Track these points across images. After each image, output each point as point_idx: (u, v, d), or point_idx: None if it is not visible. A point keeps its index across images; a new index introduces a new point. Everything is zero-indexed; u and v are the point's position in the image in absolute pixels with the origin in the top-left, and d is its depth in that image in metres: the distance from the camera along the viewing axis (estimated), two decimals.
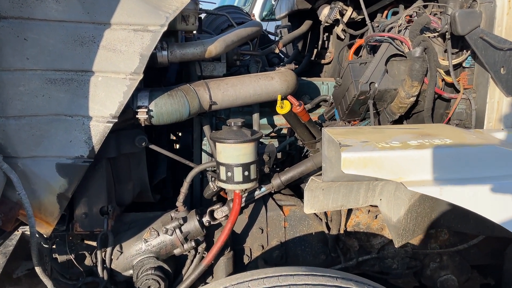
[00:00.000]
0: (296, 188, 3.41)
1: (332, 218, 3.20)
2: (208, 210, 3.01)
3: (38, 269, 2.53)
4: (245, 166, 2.68)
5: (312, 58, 4.44)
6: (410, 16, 2.38)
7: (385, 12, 2.82)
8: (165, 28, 2.39)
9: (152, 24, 2.38)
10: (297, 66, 3.59)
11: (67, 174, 2.53)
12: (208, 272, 3.03)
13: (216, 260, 2.97)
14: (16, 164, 2.43)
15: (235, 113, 3.54)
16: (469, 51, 2.30)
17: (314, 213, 3.20)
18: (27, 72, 2.35)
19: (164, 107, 2.66)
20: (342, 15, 3.14)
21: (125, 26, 2.38)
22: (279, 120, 3.70)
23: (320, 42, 4.33)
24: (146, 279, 2.75)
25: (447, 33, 2.28)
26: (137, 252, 2.90)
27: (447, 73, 2.32)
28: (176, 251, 2.94)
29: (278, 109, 2.79)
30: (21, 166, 2.46)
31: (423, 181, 1.73)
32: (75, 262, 2.97)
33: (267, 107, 3.56)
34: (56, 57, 2.36)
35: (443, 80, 2.36)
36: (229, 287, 2.13)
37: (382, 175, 1.76)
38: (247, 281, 2.08)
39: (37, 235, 2.50)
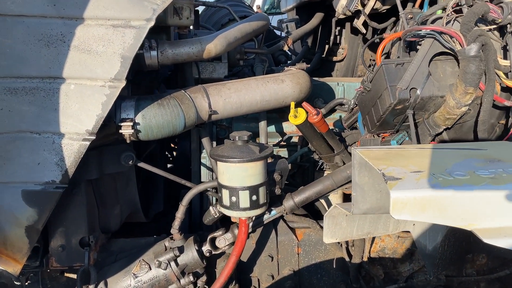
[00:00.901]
0: (309, 205, 2.93)
1: (354, 243, 2.72)
2: (209, 237, 2.53)
3: None
4: (253, 189, 2.19)
5: (323, 55, 3.94)
6: (458, 4, 1.87)
7: (418, 0, 2.31)
8: (152, 23, 1.89)
9: (136, 19, 1.88)
10: (308, 65, 3.09)
11: (36, 203, 2.05)
12: None
13: None
14: None
15: (238, 119, 3.05)
16: None
17: None
18: None
19: (154, 119, 2.16)
20: (363, 5, 2.64)
21: (102, 21, 1.88)
22: (288, 127, 3.21)
23: (332, 37, 3.84)
24: None
25: (508, 25, 1.78)
26: None
27: (507, 75, 1.83)
28: None
29: (291, 119, 2.29)
30: None
31: (504, 229, 1.25)
32: None
33: (274, 113, 3.07)
34: (15, 61, 1.87)
35: (500, 84, 1.87)
36: None
37: (445, 221, 1.27)
38: None
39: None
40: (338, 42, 4.00)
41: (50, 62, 1.89)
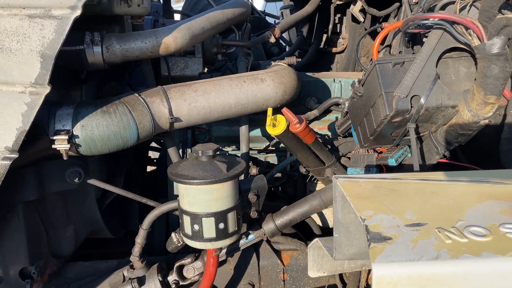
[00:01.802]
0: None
1: None
2: (176, 265, 2.12)
3: None
4: (220, 216, 1.77)
5: (321, 46, 3.47)
6: None
7: None
8: (79, 12, 1.46)
9: (58, 6, 1.46)
10: (299, 59, 2.64)
11: None
12: None
13: None
14: None
15: (219, 122, 2.61)
16: None
17: None
18: None
19: (97, 131, 1.74)
20: None
21: (15, 10, 1.46)
22: None
23: (330, 26, 3.36)
24: None
25: None
26: None
27: None
28: None
29: (269, 128, 1.87)
30: None
31: None
32: None
33: (260, 114, 2.64)
34: None
35: None
36: None
37: None
38: None
39: None
40: (338, 31, 3.53)
41: None
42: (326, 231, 2.59)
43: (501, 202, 1.04)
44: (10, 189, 1.75)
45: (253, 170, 2.66)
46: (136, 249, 2.07)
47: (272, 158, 2.90)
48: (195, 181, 1.71)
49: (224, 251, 2.07)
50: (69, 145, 1.69)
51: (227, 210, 1.78)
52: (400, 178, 1.22)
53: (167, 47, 1.85)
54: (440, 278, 0.81)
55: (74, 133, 1.72)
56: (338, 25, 3.49)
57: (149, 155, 3.84)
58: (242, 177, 1.98)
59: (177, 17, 3.89)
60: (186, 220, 1.80)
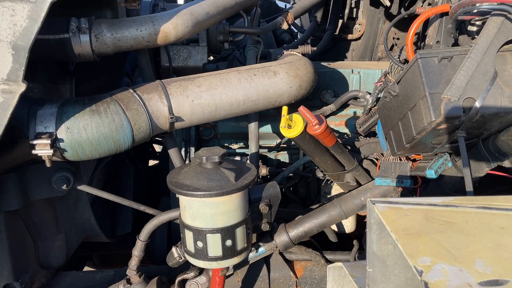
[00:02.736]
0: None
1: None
2: (178, 279, 1.88)
3: None
4: (227, 232, 1.52)
5: (336, 33, 3.18)
6: None
7: None
8: None
9: None
10: (314, 48, 2.36)
11: None
12: None
13: None
14: None
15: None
16: None
17: None
18: None
19: (85, 133, 1.49)
20: None
21: None
22: None
23: (347, 11, 3.08)
24: None
25: None
26: None
27: None
28: None
29: (283, 130, 1.61)
30: None
31: None
32: None
33: (270, 109, 2.38)
34: None
35: None
36: None
37: None
38: None
39: None
40: (354, 16, 3.23)
41: None
42: (341, 238, 2.34)
43: None
44: None
45: (263, 171, 2.40)
46: (133, 262, 1.84)
47: (283, 156, 2.64)
48: (199, 192, 1.45)
49: (231, 266, 1.83)
50: (52, 151, 1.44)
51: (235, 225, 1.53)
52: (455, 205, 0.96)
53: (166, 36, 1.58)
54: None
55: (58, 136, 1.46)
56: (355, 10, 3.20)
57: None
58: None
59: (180, 0, 3.60)
60: (189, 235, 1.55)
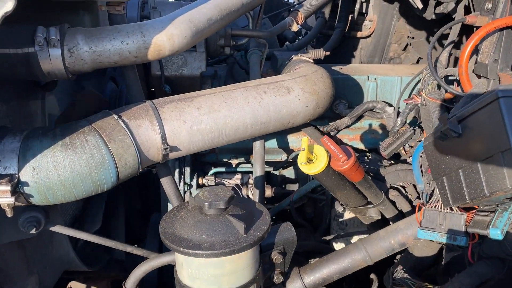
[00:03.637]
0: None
1: None
2: None
3: None
4: None
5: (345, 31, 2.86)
6: None
7: None
8: (10, 6, 0.86)
9: None
10: (327, 53, 2.05)
11: None
12: None
13: None
14: None
15: None
16: None
17: None
18: None
19: (56, 174, 1.17)
20: None
21: None
22: (297, 141, 2.21)
23: (357, 6, 2.77)
24: None
25: None
26: None
27: None
28: None
29: (303, 167, 1.30)
30: None
31: None
32: None
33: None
34: None
35: None
36: None
37: None
38: None
39: None
40: (364, 11, 2.91)
41: None
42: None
43: None
44: None
45: (268, 192, 2.10)
46: None
47: (289, 172, 2.34)
48: (201, 252, 1.15)
49: None
50: (13, 198, 1.11)
51: (243, 286, 1.23)
52: None
53: (159, 50, 1.25)
54: None
55: (21, 179, 1.14)
56: (365, 4, 2.88)
57: None
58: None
59: None
60: None
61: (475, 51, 1.30)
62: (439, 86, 1.63)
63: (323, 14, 2.80)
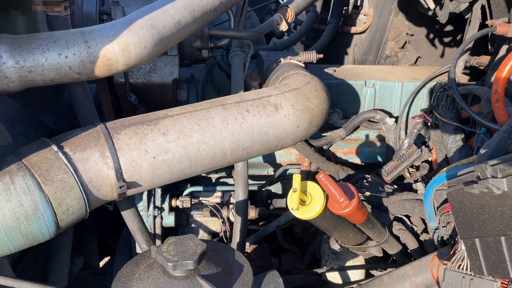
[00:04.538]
0: None
1: None
2: None
3: None
4: None
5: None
6: None
7: None
8: None
9: None
10: (320, 56, 1.77)
11: None
12: None
13: None
14: None
15: None
16: None
17: None
18: None
19: None
20: None
21: None
22: (284, 155, 1.94)
23: None
24: None
25: None
26: None
27: None
28: None
29: (296, 213, 1.03)
30: None
31: None
32: None
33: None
34: None
35: None
36: None
37: None
38: None
39: None
40: (358, 4, 2.64)
41: None
42: None
43: None
44: None
45: (251, 213, 1.84)
46: None
47: (276, 187, 2.07)
48: None
49: None
50: None
51: None
52: None
53: (109, 64, 0.95)
54: None
55: None
56: None
57: None
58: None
59: None
60: None
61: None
62: (453, 101, 1.36)
63: (315, 7, 2.51)
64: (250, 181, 1.95)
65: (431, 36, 2.48)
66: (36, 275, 1.79)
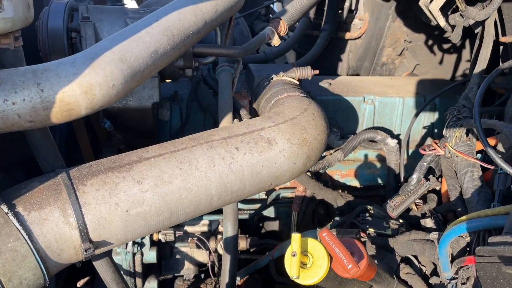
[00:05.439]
0: None
1: None
2: None
3: None
4: None
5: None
6: None
7: None
8: None
9: None
10: (316, 72, 1.60)
11: None
12: None
13: None
14: None
15: None
16: None
17: None
18: None
19: None
20: None
21: None
22: None
23: (347, 4, 2.33)
24: None
25: None
26: None
27: None
28: None
29: (296, 280, 0.86)
30: None
31: None
32: None
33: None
34: None
35: None
36: None
37: None
38: None
39: None
40: (353, 8, 2.48)
41: None
42: None
43: None
44: None
45: (242, 244, 1.68)
46: None
47: (268, 210, 1.91)
48: None
49: None
50: None
51: None
52: None
53: (69, 110, 0.78)
54: None
55: None
56: (354, 0, 2.44)
57: None
58: None
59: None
60: None
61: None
62: (467, 132, 1.21)
63: (308, 13, 2.33)
64: (241, 206, 1.79)
65: (430, 42, 2.33)
66: None
